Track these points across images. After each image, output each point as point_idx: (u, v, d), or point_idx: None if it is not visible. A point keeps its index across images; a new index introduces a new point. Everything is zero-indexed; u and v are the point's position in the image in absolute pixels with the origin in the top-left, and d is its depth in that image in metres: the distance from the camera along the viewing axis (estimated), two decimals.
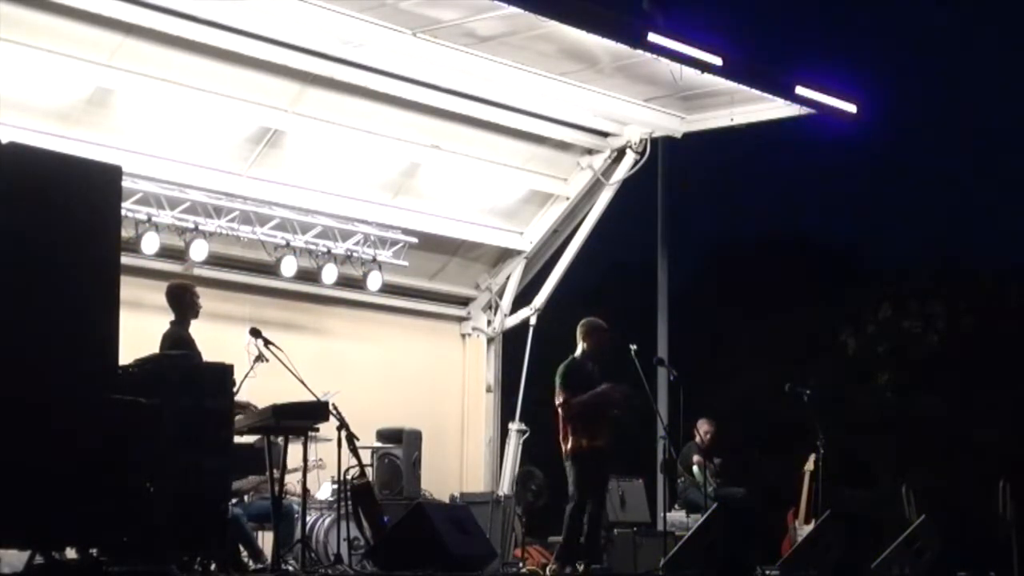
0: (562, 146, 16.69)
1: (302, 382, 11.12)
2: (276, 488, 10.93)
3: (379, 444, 14.16)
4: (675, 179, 17.94)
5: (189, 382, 9.62)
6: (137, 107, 13.73)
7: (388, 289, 16.10)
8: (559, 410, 12.25)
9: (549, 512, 13.89)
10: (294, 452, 11.48)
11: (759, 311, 29.60)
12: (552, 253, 17.45)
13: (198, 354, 10.75)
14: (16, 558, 9.07)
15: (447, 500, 15.11)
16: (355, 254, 15.52)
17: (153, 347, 10.73)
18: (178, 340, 11.01)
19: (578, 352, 12.44)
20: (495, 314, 17.45)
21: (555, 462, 12.65)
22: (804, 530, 15.19)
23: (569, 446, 12.20)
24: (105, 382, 8.88)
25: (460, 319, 17.53)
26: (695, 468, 15.52)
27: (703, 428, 15.52)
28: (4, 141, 8.89)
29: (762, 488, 18.89)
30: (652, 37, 13.72)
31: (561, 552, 12.39)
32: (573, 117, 16.17)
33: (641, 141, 16.55)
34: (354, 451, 12.00)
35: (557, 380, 12.31)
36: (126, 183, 10.96)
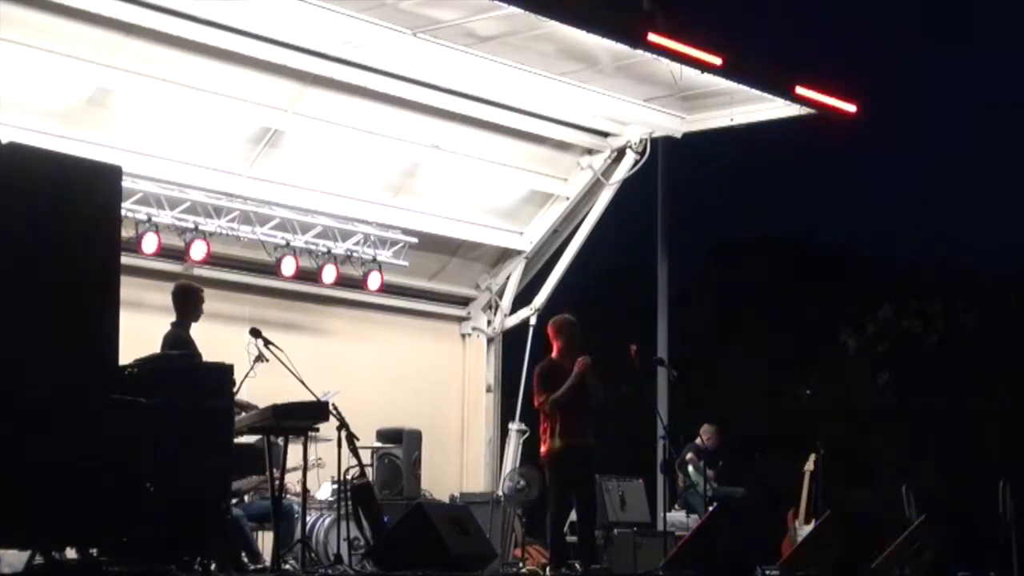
0: (562, 146, 16.70)
1: (302, 382, 11.11)
2: (276, 488, 10.93)
3: (379, 444, 14.15)
4: (675, 179, 17.93)
5: (189, 382, 9.61)
6: (137, 107, 13.73)
7: (388, 289, 16.10)
8: (540, 412, 12.23)
9: (545, 512, 13.86)
10: (294, 452, 11.47)
11: (759, 311, 29.60)
12: (552, 253, 17.45)
13: (198, 355, 10.74)
14: (16, 558, 9.07)
15: (447, 500, 15.11)
16: (355, 254, 15.52)
17: (153, 347, 10.73)
18: (179, 341, 11.00)
19: (554, 352, 12.41)
20: (495, 314, 17.46)
21: None
22: (804, 530, 15.20)
23: (546, 447, 12.19)
24: (105, 382, 8.87)
25: (460, 319, 17.54)
26: (690, 468, 15.53)
27: (707, 434, 15.52)
28: (4, 141, 8.89)
29: (762, 488, 18.88)
30: (652, 37, 13.71)
31: (551, 558, 12.39)
32: (573, 117, 16.17)
33: (641, 141, 16.55)
34: (354, 451, 11.99)
35: (534, 381, 12.29)
36: (126, 183, 10.95)
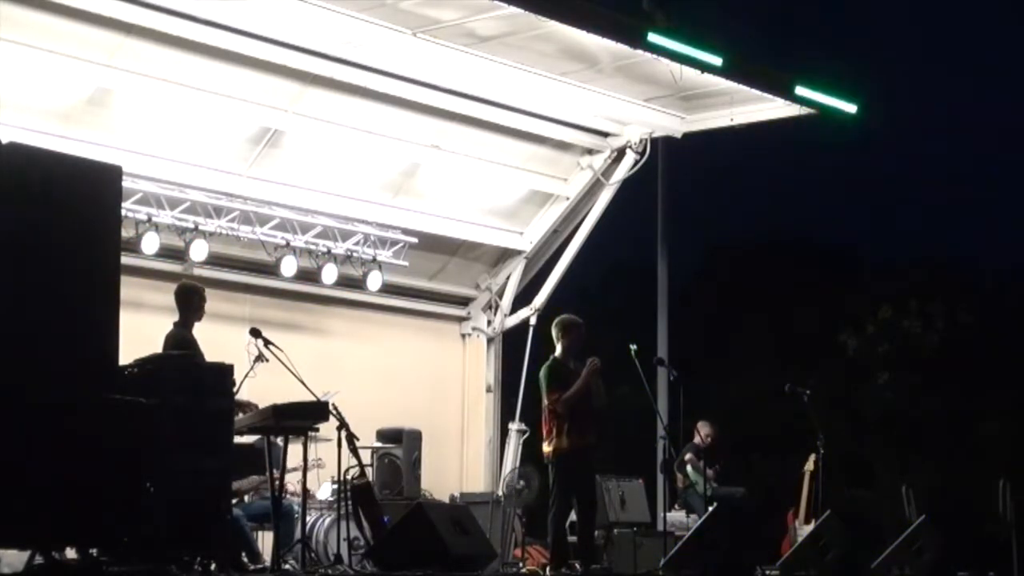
0: (562, 146, 16.69)
1: (302, 382, 11.11)
2: (276, 488, 10.93)
3: (379, 444, 14.16)
4: (675, 179, 17.95)
5: (189, 382, 9.60)
6: (137, 107, 13.73)
7: (388, 289, 16.10)
8: (547, 411, 12.21)
9: (546, 512, 13.89)
10: (294, 452, 11.47)
11: (759, 311, 29.62)
12: (552, 253, 17.45)
13: (201, 355, 10.74)
14: (16, 558, 9.08)
15: (447, 500, 15.11)
16: (355, 254, 15.51)
17: (153, 347, 10.72)
18: (181, 341, 11.00)
19: (558, 351, 12.40)
20: (495, 314, 17.45)
21: None
22: (804, 530, 15.19)
23: (552, 447, 12.18)
24: (105, 382, 8.87)
25: (460, 319, 17.53)
26: (689, 468, 15.53)
27: (704, 431, 15.52)
28: (4, 141, 8.89)
29: (762, 488, 18.90)
30: (652, 37, 13.72)
31: (552, 558, 12.40)
32: (573, 117, 16.17)
33: (641, 141, 16.55)
34: (354, 451, 11.99)
35: (543, 381, 12.27)
36: (126, 183, 10.95)
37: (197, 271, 14.24)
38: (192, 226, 14.17)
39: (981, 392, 26.53)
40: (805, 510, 15.93)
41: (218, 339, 11.54)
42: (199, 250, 14.20)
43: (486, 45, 13.96)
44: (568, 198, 17.13)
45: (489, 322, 17.47)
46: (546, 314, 17.03)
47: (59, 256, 8.70)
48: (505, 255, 17.47)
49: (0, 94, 12.62)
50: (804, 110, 15.41)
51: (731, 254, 32.50)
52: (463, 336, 17.56)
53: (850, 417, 26.86)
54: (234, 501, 11.31)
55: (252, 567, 10.95)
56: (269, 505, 11.16)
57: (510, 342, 17.68)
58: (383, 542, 11.50)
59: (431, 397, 16.69)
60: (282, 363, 11.20)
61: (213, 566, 9.61)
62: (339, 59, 14.16)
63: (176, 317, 11.35)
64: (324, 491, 13.39)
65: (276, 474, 10.92)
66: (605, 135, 16.68)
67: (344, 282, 15.66)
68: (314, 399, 11.17)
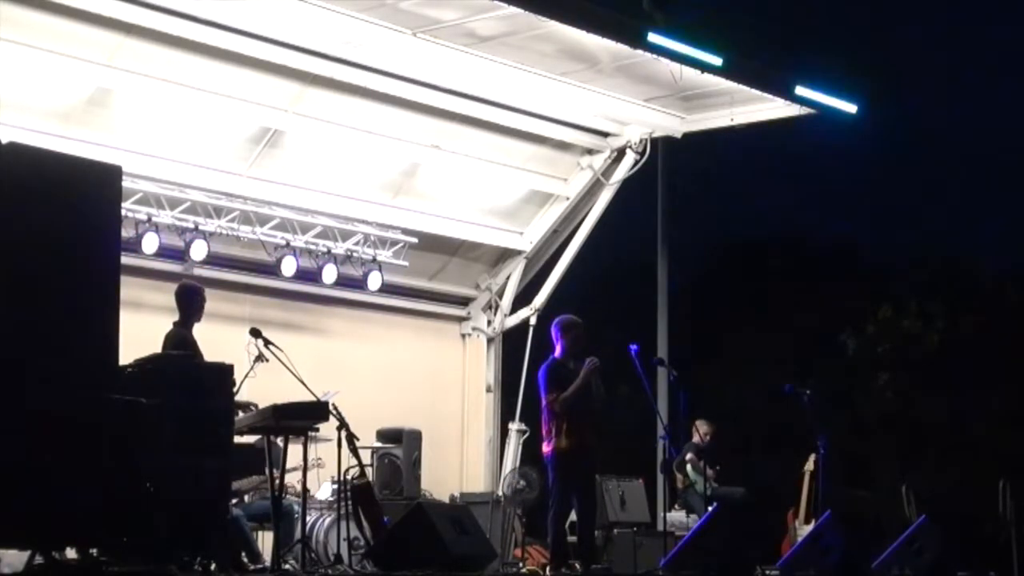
0: (562, 146, 16.70)
1: (302, 382, 11.11)
2: (276, 488, 10.93)
3: (379, 444, 14.16)
4: (675, 179, 17.95)
5: (189, 382, 9.60)
6: (137, 107, 13.74)
7: (388, 289, 16.10)
8: (546, 411, 12.21)
9: (546, 512, 13.90)
10: (294, 452, 11.47)
11: (759, 311, 29.60)
12: (552, 253, 17.46)
13: (200, 355, 10.74)
14: (16, 558, 9.07)
15: (447, 500, 15.11)
16: (355, 254, 15.52)
17: (153, 347, 10.72)
18: (181, 341, 11.00)
19: (557, 352, 12.40)
20: (495, 314, 17.46)
21: None
22: (804, 530, 15.20)
23: (551, 447, 12.18)
24: (105, 382, 8.87)
25: (460, 319, 17.54)
26: (689, 467, 15.53)
27: (702, 429, 15.52)
28: (4, 141, 8.88)
29: (762, 488, 18.88)
30: (652, 37, 13.74)
31: (552, 558, 12.40)
32: (573, 117, 16.18)
33: (641, 141, 16.56)
34: (354, 451, 11.99)
35: (541, 381, 12.27)
36: (126, 183, 10.95)
37: (197, 271, 14.24)
38: (192, 226, 14.18)
39: (981, 392, 26.51)
40: (805, 510, 15.94)
41: (218, 339, 11.54)
42: (199, 250, 14.20)
43: (486, 45, 13.97)
44: (568, 198, 17.14)
45: (489, 322, 17.47)
46: (546, 314, 17.03)
47: (59, 256, 8.69)
48: (505, 255, 17.48)
49: (0, 94, 12.62)
50: (804, 110, 15.44)
51: (731, 254, 32.50)
52: (463, 336, 17.57)
53: (850, 417, 26.84)
54: (234, 501, 11.32)
55: (252, 567, 10.95)
56: (269, 505, 11.15)
57: (510, 342, 17.68)
58: (383, 542, 11.50)
59: (431, 397, 16.69)
60: (282, 363, 11.20)
61: (213, 566, 9.60)
62: (339, 59, 14.17)
63: (176, 317, 11.36)
64: (324, 491, 13.39)
65: (276, 474, 10.92)
66: (605, 135, 16.69)
67: (344, 282, 15.66)
68: (314, 399, 11.17)
